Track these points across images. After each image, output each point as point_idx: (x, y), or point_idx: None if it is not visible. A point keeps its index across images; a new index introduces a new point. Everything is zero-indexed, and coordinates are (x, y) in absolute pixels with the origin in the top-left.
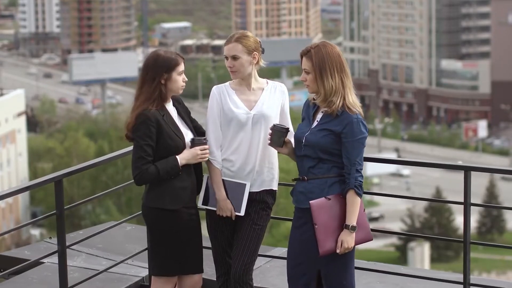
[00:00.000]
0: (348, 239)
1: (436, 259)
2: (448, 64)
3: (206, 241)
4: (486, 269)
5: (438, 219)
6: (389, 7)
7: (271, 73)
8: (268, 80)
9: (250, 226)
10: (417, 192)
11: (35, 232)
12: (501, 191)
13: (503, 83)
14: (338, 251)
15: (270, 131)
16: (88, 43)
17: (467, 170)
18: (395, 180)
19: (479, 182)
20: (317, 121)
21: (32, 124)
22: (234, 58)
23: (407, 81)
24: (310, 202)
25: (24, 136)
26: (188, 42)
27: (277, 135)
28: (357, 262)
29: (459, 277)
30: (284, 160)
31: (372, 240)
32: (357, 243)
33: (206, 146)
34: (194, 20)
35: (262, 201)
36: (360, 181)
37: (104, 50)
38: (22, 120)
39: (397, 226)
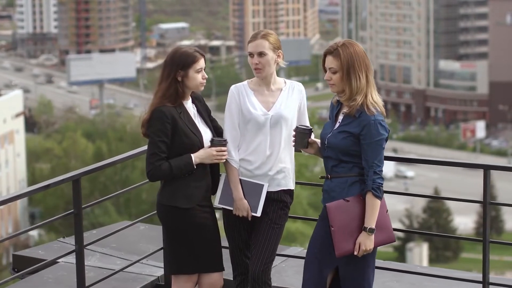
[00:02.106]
0: (366, 242)
1: (435, 259)
2: (446, 64)
3: (225, 241)
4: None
5: (437, 219)
6: (387, 7)
7: None
8: (286, 80)
9: (269, 226)
10: (416, 192)
11: (33, 233)
12: (499, 191)
13: (501, 84)
14: (356, 253)
15: (294, 133)
16: (86, 43)
17: (486, 169)
18: (393, 181)
19: (477, 181)
20: (338, 122)
21: (30, 125)
22: (261, 54)
23: (405, 82)
24: (326, 204)
25: (22, 137)
26: (186, 42)
27: (301, 137)
28: None
29: (477, 276)
30: None
31: (394, 241)
32: (378, 244)
33: (224, 148)
34: (192, 20)
35: (280, 200)
36: (379, 183)
37: (102, 51)
38: (21, 120)
39: (395, 226)
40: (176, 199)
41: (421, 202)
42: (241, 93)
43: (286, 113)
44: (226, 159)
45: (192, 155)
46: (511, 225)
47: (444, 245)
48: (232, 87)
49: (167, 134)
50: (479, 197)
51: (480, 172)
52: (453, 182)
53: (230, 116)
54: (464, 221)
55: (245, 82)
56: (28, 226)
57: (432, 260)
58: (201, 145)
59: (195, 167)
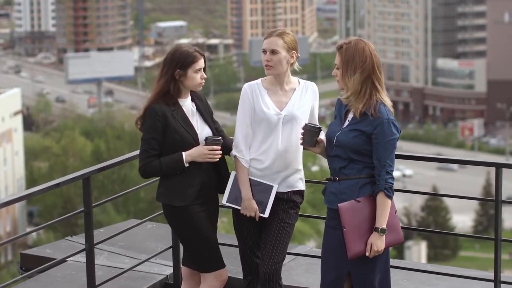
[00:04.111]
0: (377, 242)
1: (433, 258)
2: (444, 63)
3: (234, 240)
4: (483, 268)
5: (435, 218)
6: (385, 6)
7: None
8: (300, 79)
9: (279, 225)
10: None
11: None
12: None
13: (499, 82)
14: (367, 253)
15: (302, 131)
16: (84, 42)
17: (498, 167)
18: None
19: (475, 180)
20: (348, 120)
21: (28, 123)
22: (273, 52)
23: (403, 80)
24: (338, 204)
25: (20, 135)
26: (184, 41)
27: (309, 135)
28: None
29: (488, 275)
30: None
31: (402, 242)
32: (387, 245)
33: (217, 147)
34: (190, 19)
35: (290, 200)
36: (391, 183)
37: (100, 49)
38: (19, 119)
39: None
40: (170, 198)
41: (419, 200)
42: (255, 92)
43: (298, 114)
44: (236, 158)
45: (183, 153)
46: (509, 223)
47: (443, 243)
48: (246, 85)
49: (158, 132)
50: (477, 195)
51: (478, 171)
52: (451, 180)
53: (243, 114)
54: (462, 219)
55: (258, 81)
56: (26, 224)
57: (431, 259)
58: (196, 143)
59: (186, 165)
